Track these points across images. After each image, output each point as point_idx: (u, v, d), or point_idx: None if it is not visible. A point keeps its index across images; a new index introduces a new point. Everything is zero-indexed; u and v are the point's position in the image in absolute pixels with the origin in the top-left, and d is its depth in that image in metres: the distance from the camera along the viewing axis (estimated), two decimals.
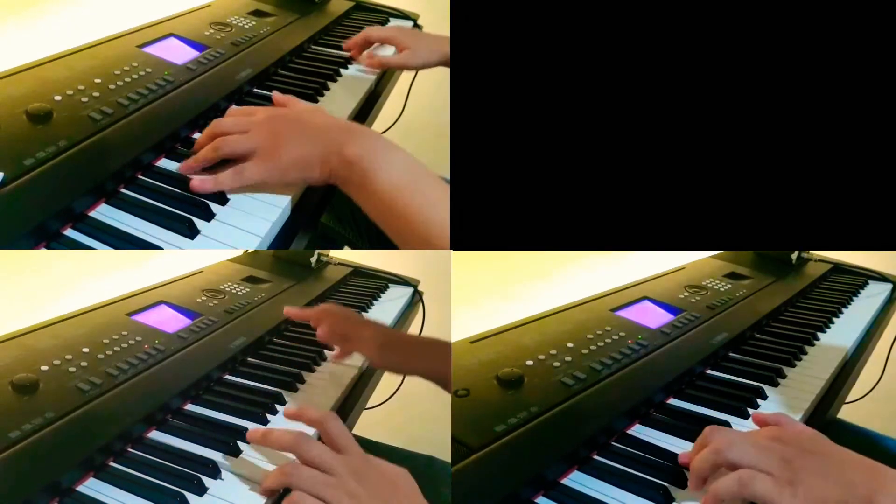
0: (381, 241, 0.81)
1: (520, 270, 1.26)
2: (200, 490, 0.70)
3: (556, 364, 0.89)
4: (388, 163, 0.75)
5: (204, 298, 1.12)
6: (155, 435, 0.78)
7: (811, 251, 1.46)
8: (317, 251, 1.41)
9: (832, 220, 0.93)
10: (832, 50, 0.91)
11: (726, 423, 0.83)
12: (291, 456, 0.70)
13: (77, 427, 0.73)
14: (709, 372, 0.97)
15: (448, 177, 0.93)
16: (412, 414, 1.35)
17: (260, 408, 0.85)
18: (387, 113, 1.20)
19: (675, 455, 0.76)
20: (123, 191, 0.78)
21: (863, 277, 1.38)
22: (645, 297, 1.14)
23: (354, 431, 0.95)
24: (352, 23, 1.29)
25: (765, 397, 0.90)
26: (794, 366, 0.99)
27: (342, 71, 1.11)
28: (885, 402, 1.19)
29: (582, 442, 0.77)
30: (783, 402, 0.90)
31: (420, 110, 1.33)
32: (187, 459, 0.74)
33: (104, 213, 0.75)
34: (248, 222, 0.77)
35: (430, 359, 0.91)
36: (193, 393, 0.87)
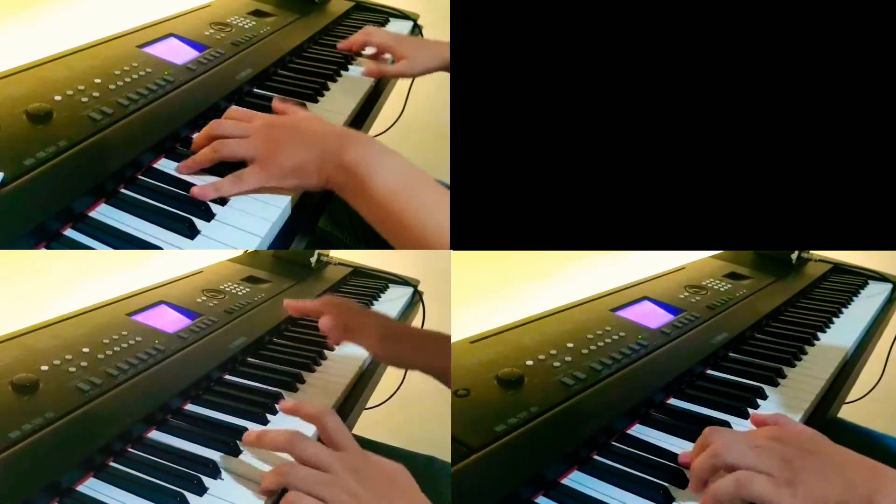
0: (378, 246, 0.81)
1: (520, 270, 1.26)
2: (200, 490, 0.70)
3: (556, 364, 0.89)
4: (384, 168, 0.76)
5: (204, 298, 1.12)
6: (155, 435, 0.78)
7: (811, 251, 1.45)
8: (317, 251, 1.41)
9: (832, 220, 0.93)
10: (832, 50, 0.91)
11: (726, 423, 0.83)
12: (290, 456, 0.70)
13: (77, 427, 0.73)
14: (709, 372, 0.97)
15: (448, 177, 0.93)
16: (412, 414, 1.35)
17: (260, 408, 0.85)
18: (387, 113, 1.20)
19: (675, 455, 0.76)
20: (123, 191, 0.79)
21: (863, 277, 1.38)
22: (645, 297, 1.14)
23: (354, 432, 0.95)
24: (352, 23, 1.29)
25: (765, 397, 0.90)
26: (794, 366, 0.99)
27: (342, 71, 1.11)
28: (885, 402, 1.19)
29: (582, 442, 0.77)
30: (783, 402, 0.90)
31: (420, 111, 1.33)
32: (187, 459, 0.74)
33: (104, 213, 0.76)
34: (248, 222, 0.77)
35: (431, 352, 0.90)
36: (193, 393, 0.87)
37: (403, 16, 1.36)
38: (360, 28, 1.21)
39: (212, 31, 1.10)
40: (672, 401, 0.89)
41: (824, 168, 0.92)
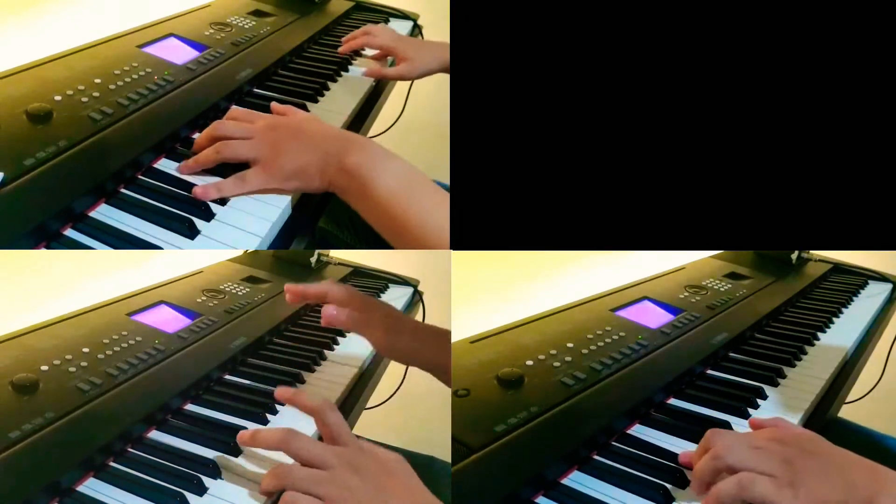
0: (379, 245, 0.81)
1: (520, 270, 1.26)
2: (200, 490, 0.70)
3: (556, 364, 0.89)
4: (385, 171, 0.76)
5: (204, 298, 1.12)
6: (155, 435, 0.78)
7: (811, 251, 1.45)
8: (317, 251, 1.41)
9: (832, 220, 0.93)
10: (832, 50, 0.91)
11: (726, 423, 0.83)
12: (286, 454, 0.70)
13: (77, 427, 0.73)
14: (709, 372, 0.97)
15: (448, 177, 0.93)
16: (412, 414, 1.35)
17: (260, 408, 0.85)
18: (387, 113, 1.19)
19: (676, 455, 0.76)
20: (123, 191, 0.79)
21: (863, 277, 1.38)
22: (645, 297, 1.14)
23: (354, 432, 0.95)
24: (352, 23, 1.29)
25: (765, 397, 0.90)
26: (794, 366, 0.99)
27: (342, 71, 1.11)
28: (885, 402, 1.19)
29: (582, 442, 0.77)
30: (783, 401, 0.90)
31: (420, 111, 1.33)
32: (187, 459, 0.74)
33: (104, 213, 0.76)
34: (248, 222, 0.77)
35: (435, 348, 0.89)
36: (193, 393, 0.87)
37: (403, 16, 1.36)
38: (359, 28, 1.21)
39: (212, 31, 1.10)
40: (672, 401, 0.89)
41: (824, 168, 0.92)
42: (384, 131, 1.26)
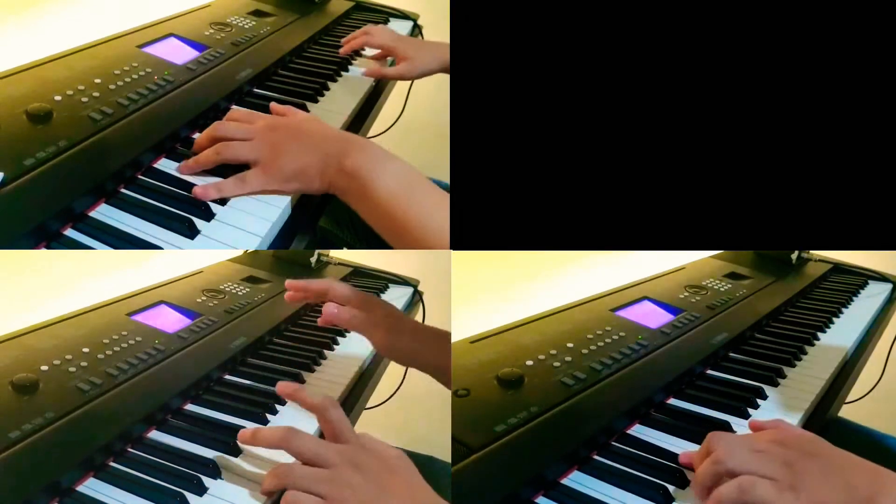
0: (379, 245, 0.81)
1: (520, 270, 1.26)
2: (200, 490, 0.70)
3: (556, 364, 0.89)
4: (385, 173, 0.76)
5: (204, 298, 1.12)
6: (155, 435, 0.78)
7: (811, 251, 1.45)
8: (317, 251, 1.41)
9: (832, 220, 0.93)
10: (832, 50, 0.91)
11: (726, 423, 0.83)
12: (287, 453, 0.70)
13: (77, 427, 0.73)
14: (709, 372, 0.97)
15: (448, 177, 0.93)
16: (412, 414, 1.35)
17: (260, 408, 0.85)
18: (387, 113, 1.19)
19: (676, 455, 0.76)
20: (123, 191, 0.79)
21: (863, 277, 1.38)
22: (645, 297, 1.14)
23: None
24: (352, 23, 1.29)
25: (765, 397, 0.90)
26: (794, 366, 0.99)
27: (342, 71, 1.11)
28: (885, 402, 1.19)
29: (582, 442, 0.77)
30: (783, 402, 0.90)
31: (420, 111, 1.33)
32: (187, 459, 0.74)
33: (104, 213, 0.76)
34: (248, 222, 0.77)
35: (435, 350, 0.89)
36: (193, 393, 0.87)
37: (403, 16, 1.36)
38: (359, 28, 1.21)
39: (212, 31, 1.10)
40: (672, 401, 0.89)
41: (824, 168, 0.92)
42: (384, 131, 1.26)
